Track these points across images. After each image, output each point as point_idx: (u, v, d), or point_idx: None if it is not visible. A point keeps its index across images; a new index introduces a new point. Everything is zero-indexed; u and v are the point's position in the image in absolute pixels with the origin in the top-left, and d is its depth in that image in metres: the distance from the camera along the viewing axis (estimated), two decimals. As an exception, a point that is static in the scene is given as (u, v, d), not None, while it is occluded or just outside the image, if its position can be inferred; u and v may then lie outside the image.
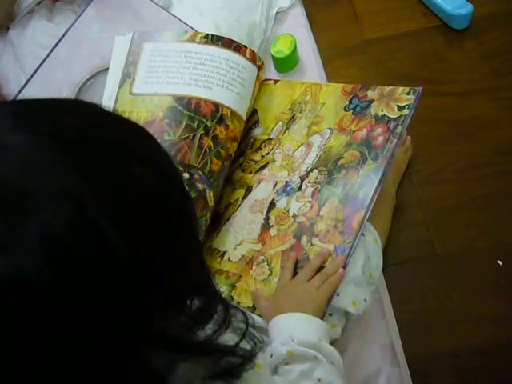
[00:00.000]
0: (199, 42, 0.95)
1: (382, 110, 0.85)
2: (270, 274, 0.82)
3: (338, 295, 0.80)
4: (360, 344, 0.89)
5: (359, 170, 0.83)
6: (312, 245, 0.81)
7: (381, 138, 0.83)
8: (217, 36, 0.95)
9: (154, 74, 0.92)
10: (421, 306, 1.10)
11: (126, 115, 0.90)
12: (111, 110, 0.44)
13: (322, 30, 1.36)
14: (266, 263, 0.83)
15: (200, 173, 0.85)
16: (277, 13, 1.28)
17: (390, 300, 1.02)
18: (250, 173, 0.92)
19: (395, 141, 0.82)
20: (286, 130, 0.93)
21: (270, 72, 1.17)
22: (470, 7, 1.35)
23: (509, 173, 1.20)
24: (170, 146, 0.86)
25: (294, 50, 1.15)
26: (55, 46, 0.95)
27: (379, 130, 0.84)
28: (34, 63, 0.96)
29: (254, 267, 0.84)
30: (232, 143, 0.90)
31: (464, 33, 1.38)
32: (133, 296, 0.37)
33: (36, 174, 0.34)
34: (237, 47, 0.95)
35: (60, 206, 0.34)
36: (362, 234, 0.83)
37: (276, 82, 1.03)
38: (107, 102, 0.93)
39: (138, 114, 0.90)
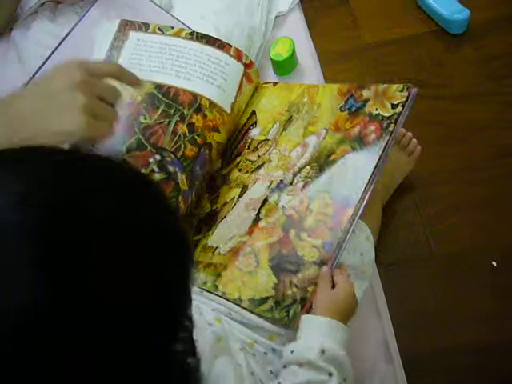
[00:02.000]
0: (184, 38, 0.97)
1: (376, 109, 0.86)
2: (257, 266, 0.81)
3: None
4: (354, 342, 0.89)
5: (358, 180, 0.82)
6: (300, 239, 0.81)
7: (373, 136, 0.83)
8: (202, 34, 0.98)
9: (137, 62, 0.95)
10: (416, 306, 1.11)
11: None
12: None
13: (320, 34, 1.38)
14: (253, 255, 0.82)
15: (172, 156, 0.88)
16: (276, 17, 1.30)
17: (384, 299, 1.03)
18: (247, 172, 0.94)
19: (387, 138, 0.82)
20: (283, 130, 0.95)
21: (269, 75, 1.19)
22: (466, 13, 1.37)
23: (504, 175, 1.22)
24: (144, 129, 0.89)
25: (293, 54, 1.17)
26: (59, 44, 0.97)
27: (372, 127, 0.84)
28: (37, 63, 0.97)
29: (240, 258, 0.83)
30: (211, 132, 0.92)
31: (461, 38, 1.40)
32: None
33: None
34: (221, 45, 0.98)
35: None
36: (354, 232, 0.84)
37: (275, 84, 1.04)
38: None
39: None
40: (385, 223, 1.14)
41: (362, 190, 0.80)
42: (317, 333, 0.70)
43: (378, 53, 1.42)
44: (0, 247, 0.35)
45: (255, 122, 1.00)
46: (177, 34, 0.98)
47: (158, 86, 0.92)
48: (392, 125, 0.83)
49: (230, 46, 0.98)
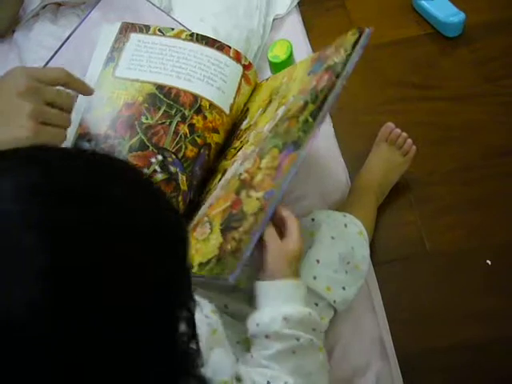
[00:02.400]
0: (184, 39, 0.99)
1: (333, 61, 0.84)
2: (210, 233, 0.81)
3: (315, 278, 0.82)
4: (350, 337, 0.91)
5: (300, 116, 0.82)
6: (248, 197, 0.80)
7: (324, 83, 0.81)
8: (202, 35, 0.99)
9: (137, 62, 0.96)
10: (411, 305, 1.13)
11: (105, 95, 0.92)
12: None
13: (317, 37, 1.39)
14: (208, 223, 0.82)
15: (173, 156, 0.89)
16: (274, 19, 1.32)
17: (380, 297, 1.05)
18: (230, 159, 0.95)
19: (335, 79, 0.79)
20: (263, 113, 0.96)
21: (267, 76, 1.20)
22: (462, 16, 1.39)
23: (498, 175, 1.24)
24: (146, 129, 0.90)
25: (290, 56, 1.18)
26: (60, 46, 0.98)
27: (326, 76, 0.83)
28: (38, 63, 0.99)
29: (198, 229, 0.83)
30: (210, 133, 0.94)
31: (456, 40, 1.42)
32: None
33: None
34: (220, 46, 0.99)
35: None
36: (348, 218, 0.85)
37: (268, 79, 1.06)
38: (87, 80, 0.94)
39: (119, 95, 0.93)
40: (380, 222, 1.16)
41: (309, 135, 0.78)
42: (277, 301, 0.72)
43: (374, 55, 1.43)
44: (2, 237, 0.36)
45: (246, 116, 1.01)
46: (177, 36, 1.00)
47: (160, 87, 0.94)
48: (341, 64, 0.80)
49: (230, 47, 1.00)
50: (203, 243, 0.81)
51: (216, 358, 0.67)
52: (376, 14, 1.49)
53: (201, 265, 0.78)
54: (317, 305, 0.83)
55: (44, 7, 1.17)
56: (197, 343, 0.46)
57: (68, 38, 1.00)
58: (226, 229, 0.79)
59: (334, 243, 0.86)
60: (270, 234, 0.74)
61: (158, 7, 1.11)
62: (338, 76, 0.80)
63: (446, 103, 1.34)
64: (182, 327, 0.44)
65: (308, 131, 0.79)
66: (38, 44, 1.11)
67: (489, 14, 1.45)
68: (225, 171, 0.93)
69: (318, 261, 0.84)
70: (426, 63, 1.40)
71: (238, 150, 0.94)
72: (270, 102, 0.96)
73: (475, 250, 1.16)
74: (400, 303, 1.12)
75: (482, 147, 1.27)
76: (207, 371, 0.60)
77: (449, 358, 1.08)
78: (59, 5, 1.19)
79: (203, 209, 0.89)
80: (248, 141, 0.93)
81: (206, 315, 0.72)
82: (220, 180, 0.92)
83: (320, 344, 0.72)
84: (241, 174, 0.85)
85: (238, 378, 0.67)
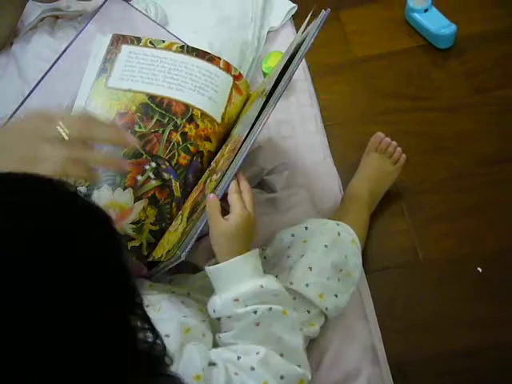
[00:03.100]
0: (175, 51, 1.01)
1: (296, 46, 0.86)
2: (180, 223, 0.83)
3: (308, 286, 0.83)
4: (341, 344, 0.91)
5: (258, 100, 0.84)
6: (211, 181, 0.83)
7: (281, 66, 0.84)
8: (192, 48, 1.01)
9: (129, 73, 0.98)
10: (403, 311, 1.14)
11: (99, 105, 0.94)
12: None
13: (312, 49, 1.41)
14: (180, 215, 0.85)
15: (167, 164, 0.91)
16: (268, 32, 1.34)
17: (372, 305, 1.06)
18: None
19: (286, 57, 0.82)
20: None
21: (262, 87, 1.23)
22: (453, 28, 1.41)
23: (490, 183, 1.25)
24: (140, 138, 0.92)
25: (284, 67, 1.20)
26: (57, 59, 1.00)
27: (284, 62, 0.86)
28: (36, 75, 1.01)
29: (173, 222, 0.86)
30: (203, 141, 0.96)
31: (448, 52, 1.44)
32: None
33: None
34: (210, 58, 1.01)
35: None
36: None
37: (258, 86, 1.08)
38: (81, 94, 0.97)
39: (112, 105, 0.95)
40: (373, 230, 1.18)
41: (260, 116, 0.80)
42: (227, 284, 0.73)
43: (367, 66, 1.46)
44: None
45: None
46: (168, 48, 1.02)
47: (152, 97, 0.96)
48: (297, 45, 0.83)
49: (220, 58, 1.02)
50: (174, 234, 0.83)
51: (188, 355, 0.68)
52: (370, 27, 1.51)
53: (168, 252, 0.80)
54: (309, 312, 0.84)
55: (42, 20, 1.20)
56: (161, 342, 0.47)
57: (65, 50, 1.02)
58: (190, 215, 0.82)
59: (327, 251, 0.87)
60: (212, 215, 0.74)
61: (153, 20, 1.14)
62: (293, 56, 0.82)
63: (438, 114, 1.36)
64: (140, 327, 0.44)
65: (261, 113, 0.81)
66: (36, 56, 1.13)
67: (480, 25, 1.48)
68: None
69: (310, 268, 0.85)
70: (418, 75, 1.43)
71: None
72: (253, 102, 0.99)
73: (467, 258, 1.17)
74: (393, 311, 1.13)
75: (474, 156, 1.29)
76: (178, 368, 0.62)
77: (441, 365, 1.09)
78: (57, 17, 1.22)
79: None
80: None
81: (184, 314, 0.74)
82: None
83: (283, 308, 0.73)
84: (210, 165, 0.88)
85: (211, 363, 0.69)
